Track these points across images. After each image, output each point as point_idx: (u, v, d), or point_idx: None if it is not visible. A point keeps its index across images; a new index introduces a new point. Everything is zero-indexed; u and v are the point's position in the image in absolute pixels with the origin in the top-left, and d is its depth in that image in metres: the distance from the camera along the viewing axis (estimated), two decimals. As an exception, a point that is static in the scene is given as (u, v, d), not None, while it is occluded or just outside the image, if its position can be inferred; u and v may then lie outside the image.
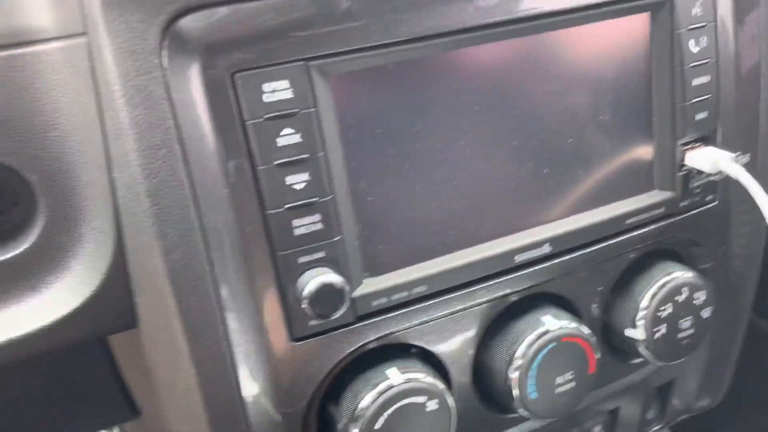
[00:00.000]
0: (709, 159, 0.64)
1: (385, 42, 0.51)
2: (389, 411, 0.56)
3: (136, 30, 0.43)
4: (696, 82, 0.64)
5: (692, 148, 0.66)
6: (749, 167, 0.68)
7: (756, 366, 0.91)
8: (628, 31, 0.62)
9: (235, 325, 0.52)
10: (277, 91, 0.48)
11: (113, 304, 0.53)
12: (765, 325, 0.93)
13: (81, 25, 0.44)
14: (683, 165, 0.66)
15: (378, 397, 0.56)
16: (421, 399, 0.57)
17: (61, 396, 0.82)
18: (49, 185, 0.49)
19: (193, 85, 0.46)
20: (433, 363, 0.61)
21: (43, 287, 0.52)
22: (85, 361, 0.74)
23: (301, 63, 0.49)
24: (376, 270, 0.56)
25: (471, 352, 0.63)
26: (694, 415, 0.86)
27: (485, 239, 0.60)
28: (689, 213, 0.68)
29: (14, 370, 0.68)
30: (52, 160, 0.49)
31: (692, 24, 0.62)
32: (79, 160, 0.48)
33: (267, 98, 0.48)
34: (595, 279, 0.67)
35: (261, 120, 0.48)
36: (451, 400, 0.58)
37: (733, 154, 0.64)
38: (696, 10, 0.62)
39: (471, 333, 0.62)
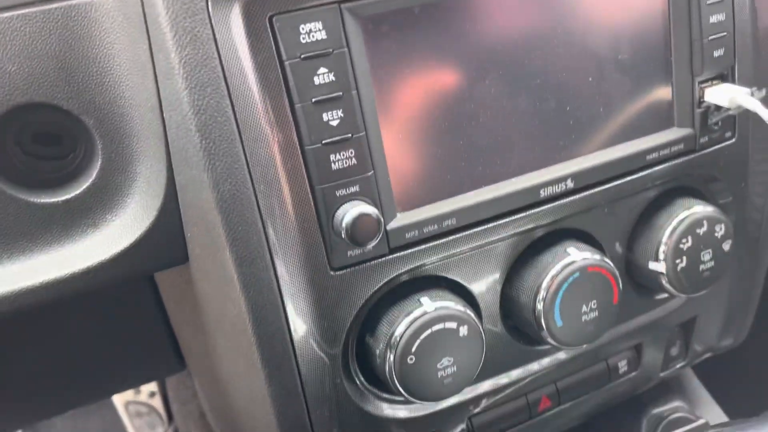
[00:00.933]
0: (726, 95, 0.66)
1: (412, -16, 0.54)
2: (423, 336, 0.59)
3: (183, -24, 0.47)
4: (713, 19, 0.66)
5: (710, 85, 0.68)
6: (766, 102, 0.70)
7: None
8: (645, -29, 0.64)
9: (280, 254, 0.55)
10: (313, 32, 0.52)
11: (166, 240, 0.57)
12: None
13: (132, -26, 0.48)
14: (702, 102, 0.68)
15: (412, 323, 0.59)
16: (453, 324, 0.60)
17: (111, 343, 0.88)
18: (105, 128, 0.54)
19: (235, 27, 0.50)
20: (464, 295, 0.65)
21: (103, 224, 0.56)
22: (133, 304, 0.80)
23: (334, 5, 0.52)
24: (408, 204, 0.60)
25: (499, 284, 0.66)
26: (717, 354, 0.89)
27: (511, 175, 0.63)
28: (708, 149, 0.70)
29: (71, 311, 0.73)
30: (107, 104, 0.53)
31: (708, -38, 0.64)
32: (133, 103, 0.53)
33: (303, 39, 0.52)
34: (618, 215, 0.70)
35: (298, 60, 0.52)
36: (481, 328, 0.62)
37: (750, 90, 0.66)
38: (712, -52, 0.64)
39: (499, 266, 0.65)
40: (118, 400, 1.40)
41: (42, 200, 0.55)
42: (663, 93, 0.68)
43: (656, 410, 0.91)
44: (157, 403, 1.43)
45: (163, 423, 1.38)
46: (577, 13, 0.62)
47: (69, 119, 0.54)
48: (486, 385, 0.71)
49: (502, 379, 0.72)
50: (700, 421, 0.82)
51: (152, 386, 1.39)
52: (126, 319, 0.83)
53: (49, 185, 0.55)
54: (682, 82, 0.67)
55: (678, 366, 0.85)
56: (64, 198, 0.55)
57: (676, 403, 0.91)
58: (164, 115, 0.52)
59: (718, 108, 0.68)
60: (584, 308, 0.65)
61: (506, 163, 0.63)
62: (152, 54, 0.50)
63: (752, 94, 0.66)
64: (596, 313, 0.66)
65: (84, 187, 0.55)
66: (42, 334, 0.77)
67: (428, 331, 0.60)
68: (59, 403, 0.92)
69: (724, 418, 0.99)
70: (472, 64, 0.59)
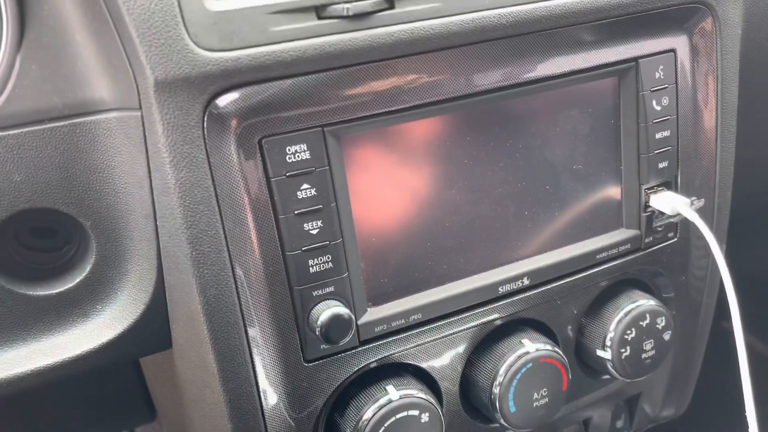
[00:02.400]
0: (669, 203, 0.74)
1: (387, 110, 0.60)
2: (388, 423, 0.65)
3: (183, 108, 0.52)
4: (659, 135, 0.73)
5: (655, 192, 0.75)
6: (706, 208, 0.77)
7: (717, 381, 1.01)
8: (600, 92, 0.71)
9: (258, 349, 0.60)
10: (298, 152, 0.57)
11: (152, 330, 0.61)
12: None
13: (136, 101, 0.53)
14: (647, 206, 0.75)
15: (379, 410, 0.64)
16: (415, 412, 0.65)
17: (88, 402, 0.91)
18: (101, 229, 0.58)
19: (228, 151, 0.55)
20: (426, 378, 0.70)
21: (93, 314, 0.60)
22: (115, 374, 0.83)
23: (318, 129, 0.57)
24: (378, 300, 0.65)
25: (459, 369, 0.72)
26: (661, 423, 0.95)
27: (472, 273, 0.69)
28: (652, 248, 0.77)
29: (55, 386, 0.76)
30: (104, 210, 0.57)
31: (655, 86, 0.71)
32: (128, 210, 0.57)
33: (289, 159, 0.57)
34: (569, 306, 0.76)
35: (284, 177, 0.57)
36: (441, 414, 0.67)
37: (689, 200, 0.73)
38: (658, 74, 0.71)
39: (460, 353, 0.71)
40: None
41: (37, 293, 0.58)
42: (613, 198, 0.75)
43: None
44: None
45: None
46: (537, 129, 0.68)
47: (67, 219, 0.58)
48: (445, 460, 0.76)
49: (460, 454, 0.77)
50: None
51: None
52: (105, 383, 0.86)
53: (44, 278, 0.59)
54: (630, 189, 0.74)
55: (623, 437, 0.92)
56: (58, 291, 0.59)
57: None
58: (158, 222, 0.56)
59: (661, 213, 0.75)
60: (536, 395, 0.71)
61: (468, 262, 0.69)
62: (150, 171, 0.55)
63: (692, 204, 0.73)
64: (546, 400, 0.72)
65: (77, 280, 0.59)
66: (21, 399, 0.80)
67: (393, 419, 0.65)
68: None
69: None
70: (440, 175, 0.65)
